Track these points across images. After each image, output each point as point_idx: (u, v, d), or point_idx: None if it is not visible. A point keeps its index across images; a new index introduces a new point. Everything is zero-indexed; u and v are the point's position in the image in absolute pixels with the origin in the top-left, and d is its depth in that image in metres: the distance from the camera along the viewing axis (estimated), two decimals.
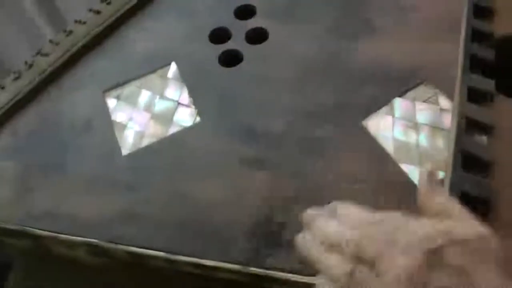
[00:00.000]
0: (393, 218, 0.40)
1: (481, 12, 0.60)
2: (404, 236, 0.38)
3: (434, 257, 0.35)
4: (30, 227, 0.53)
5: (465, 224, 0.39)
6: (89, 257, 0.53)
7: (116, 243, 0.50)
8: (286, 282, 0.46)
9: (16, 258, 0.65)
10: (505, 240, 0.40)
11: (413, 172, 0.50)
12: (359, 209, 0.44)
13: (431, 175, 0.43)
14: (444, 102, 0.55)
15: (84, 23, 0.67)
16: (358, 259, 0.39)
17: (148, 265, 0.51)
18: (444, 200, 0.42)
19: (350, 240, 0.41)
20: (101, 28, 0.67)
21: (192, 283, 0.54)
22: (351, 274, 0.39)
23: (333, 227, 0.43)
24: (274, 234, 0.48)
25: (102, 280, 0.59)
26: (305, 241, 0.44)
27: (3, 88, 0.63)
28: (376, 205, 0.48)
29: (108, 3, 0.68)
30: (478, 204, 0.46)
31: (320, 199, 0.49)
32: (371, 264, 0.38)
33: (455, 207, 0.41)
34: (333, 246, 0.42)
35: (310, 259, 0.43)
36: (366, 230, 0.41)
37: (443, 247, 0.36)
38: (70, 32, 0.66)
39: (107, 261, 0.53)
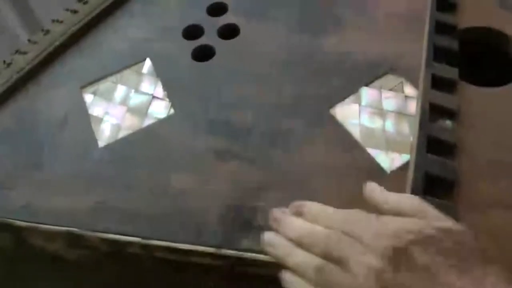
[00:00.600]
0: (358, 216, 0.42)
1: (444, 5, 0.63)
2: (369, 232, 0.39)
3: (400, 256, 0.36)
4: (10, 218, 0.53)
5: (430, 220, 0.39)
6: (67, 250, 0.54)
7: (94, 231, 0.51)
8: (256, 263, 0.48)
9: None
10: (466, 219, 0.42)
11: (380, 156, 0.52)
12: (324, 206, 0.45)
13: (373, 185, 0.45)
14: (409, 90, 0.57)
15: (62, 22, 0.68)
16: (326, 255, 0.40)
17: (125, 254, 0.52)
18: (402, 198, 0.43)
19: (318, 237, 0.42)
20: (78, 27, 0.68)
21: (170, 278, 0.56)
22: (319, 269, 0.40)
23: (300, 225, 0.44)
24: (245, 219, 0.50)
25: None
26: (274, 239, 0.45)
27: None
28: (345, 189, 0.50)
29: (85, 3, 0.70)
30: (442, 185, 0.48)
31: (290, 186, 0.51)
32: (339, 260, 0.39)
33: (417, 203, 0.42)
34: (301, 243, 0.43)
35: (279, 256, 0.44)
36: (333, 227, 0.42)
37: (409, 245, 0.36)
38: (48, 31, 0.67)
39: (85, 254, 0.54)
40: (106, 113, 0.61)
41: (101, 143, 0.58)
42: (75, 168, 0.56)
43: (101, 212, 0.52)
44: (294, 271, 0.42)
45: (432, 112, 0.53)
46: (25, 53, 0.66)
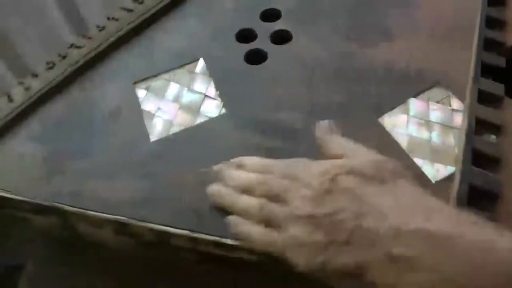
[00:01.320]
0: (296, 162, 0.48)
1: (493, 22, 0.64)
2: (305, 173, 0.45)
3: (330, 185, 0.43)
4: (60, 203, 0.55)
5: (359, 157, 0.46)
6: (114, 237, 0.56)
7: (141, 221, 0.53)
8: None
9: (28, 261, 0.67)
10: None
11: (425, 166, 0.54)
12: (264, 159, 0.52)
13: (330, 125, 0.51)
14: (456, 104, 0.58)
15: (117, 20, 0.70)
16: (267, 195, 0.46)
17: (170, 245, 0.53)
18: (342, 141, 0.50)
19: (258, 181, 0.48)
20: (132, 25, 0.70)
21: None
22: (261, 207, 0.46)
23: (242, 174, 0.51)
24: None
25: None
26: (219, 191, 0.51)
27: (36, 76, 0.66)
28: None
29: (140, 3, 0.72)
30: (486, 198, 0.50)
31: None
32: (278, 198, 0.45)
33: (352, 146, 0.49)
34: (244, 190, 0.49)
35: (225, 204, 0.50)
36: (273, 172, 0.48)
37: (338, 175, 0.43)
38: (103, 28, 0.70)
39: (130, 242, 0.56)
40: (159, 108, 0.63)
41: (153, 138, 0.60)
42: (125, 159, 0.58)
43: (148, 203, 0.54)
44: (240, 216, 0.48)
45: (477, 126, 0.55)
46: (80, 47, 0.69)
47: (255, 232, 0.47)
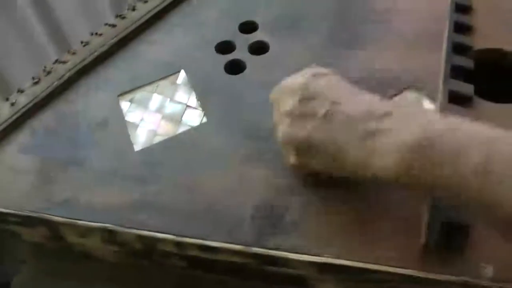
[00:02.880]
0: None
1: (461, 27, 0.67)
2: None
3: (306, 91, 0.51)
4: (48, 214, 0.57)
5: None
6: (101, 246, 0.57)
7: (129, 227, 0.55)
8: (286, 261, 0.51)
9: (16, 274, 0.68)
10: None
11: None
12: None
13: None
14: (428, 105, 0.61)
15: (100, 35, 0.73)
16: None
17: (157, 252, 0.55)
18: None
19: None
20: (116, 39, 0.72)
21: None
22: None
23: None
24: (274, 219, 0.53)
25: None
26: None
27: (22, 91, 0.68)
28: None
29: (123, 18, 0.74)
30: None
31: (315, 190, 0.55)
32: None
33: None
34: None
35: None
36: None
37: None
38: (87, 43, 0.72)
39: (118, 251, 0.57)
40: (142, 119, 0.65)
41: (137, 147, 0.62)
42: (113, 167, 0.60)
43: (136, 210, 0.56)
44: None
45: None
46: (64, 62, 0.71)
47: None
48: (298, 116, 0.50)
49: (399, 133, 0.43)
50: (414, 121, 0.44)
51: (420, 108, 0.49)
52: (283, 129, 0.51)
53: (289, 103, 0.51)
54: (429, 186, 0.43)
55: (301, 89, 0.51)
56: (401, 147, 0.43)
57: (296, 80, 0.53)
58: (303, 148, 0.50)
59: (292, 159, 0.52)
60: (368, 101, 0.49)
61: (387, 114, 0.46)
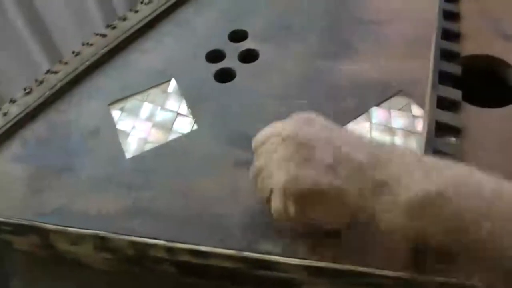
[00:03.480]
0: None
1: (449, 34, 0.68)
2: None
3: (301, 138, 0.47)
4: (40, 222, 0.57)
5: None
6: (93, 253, 0.57)
7: (121, 234, 0.55)
8: (276, 265, 0.51)
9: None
10: None
11: None
12: None
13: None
14: (416, 110, 0.62)
15: (92, 45, 0.73)
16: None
17: (149, 258, 0.55)
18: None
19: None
20: (106, 49, 0.73)
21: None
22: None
23: None
24: (265, 224, 0.53)
25: None
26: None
27: (14, 101, 0.68)
28: None
29: (113, 28, 0.75)
30: None
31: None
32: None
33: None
34: None
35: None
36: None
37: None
38: (78, 53, 0.72)
39: (110, 258, 0.58)
40: (133, 127, 0.65)
41: (128, 155, 0.62)
42: (104, 175, 0.60)
43: (128, 216, 0.56)
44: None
45: (437, 130, 0.58)
46: (56, 72, 0.71)
47: None
48: (299, 163, 0.47)
49: (408, 186, 0.43)
50: (418, 171, 0.43)
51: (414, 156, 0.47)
52: (283, 177, 0.47)
53: (285, 151, 0.48)
54: (433, 236, 0.43)
55: (293, 136, 0.48)
56: (409, 202, 0.42)
57: (286, 126, 0.50)
58: (308, 195, 0.46)
59: (291, 210, 0.48)
60: (367, 145, 0.47)
61: (390, 161, 0.45)
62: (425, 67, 0.65)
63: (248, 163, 0.58)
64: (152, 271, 0.58)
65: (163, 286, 0.61)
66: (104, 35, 0.74)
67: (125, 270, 0.59)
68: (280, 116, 0.62)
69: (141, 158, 0.62)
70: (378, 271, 0.49)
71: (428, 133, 0.57)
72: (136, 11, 0.77)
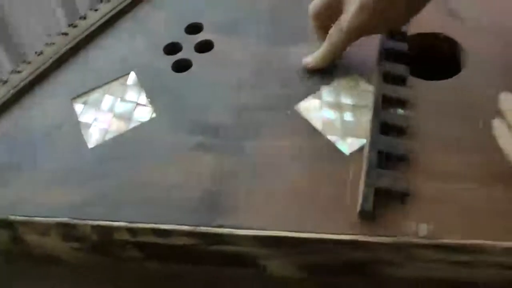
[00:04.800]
0: None
1: None
2: None
3: None
4: (7, 214, 0.59)
5: None
6: (61, 244, 0.59)
7: (84, 219, 0.57)
8: (230, 237, 0.54)
9: None
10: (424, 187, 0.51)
11: (338, 141, 0.59)
12: None
13: None
14: (364, 86, 0.64)
15: (53, 44, 0.75)
16: None
17: (114, 242, 0.57)
18: None
19: None
20: (68, 47, 0.75)
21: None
22: None
23: None
24: (220, 202, 0.56)
25: None
26: (500, 128, 0.52)
27: None
28: (309, 171, 0.57)
29: (74, 26, 0.77)
30: (395, 161, 0.56)
31: (261, 170, 0.58)
32: None
33: None
34: None
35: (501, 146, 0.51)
36: None
37: None
38: (41, 53, 0.75)
39: (77, 248, 0.59)
40: (95, 119, 0.67)
41: (90, 145, 0.64)
42: (66, 166, 0.62)
43: (91, 204, 0.58)
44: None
45: (384, 103, 0.61)
46: (19, 72, 0.73)
47: None
48: None
49: None
50: None
51: None
52: None
53: None
54: None
55: None
56: None
57: None
58: None
59: None
60: None
61: None
62: (371, 45, 0.67)
63: (204, 148, 0.60)
64: (118, 259, 0.60)
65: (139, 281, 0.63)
66: (65, 34, 0.76)
67: (96, 262, 0.61)
68: (235, 104, 0.65)
69: (102, 147, 0.64)
70: (323, 236, 0.51)
71: (375, 105, 0.60)
72: (96, 10, 0.80)
